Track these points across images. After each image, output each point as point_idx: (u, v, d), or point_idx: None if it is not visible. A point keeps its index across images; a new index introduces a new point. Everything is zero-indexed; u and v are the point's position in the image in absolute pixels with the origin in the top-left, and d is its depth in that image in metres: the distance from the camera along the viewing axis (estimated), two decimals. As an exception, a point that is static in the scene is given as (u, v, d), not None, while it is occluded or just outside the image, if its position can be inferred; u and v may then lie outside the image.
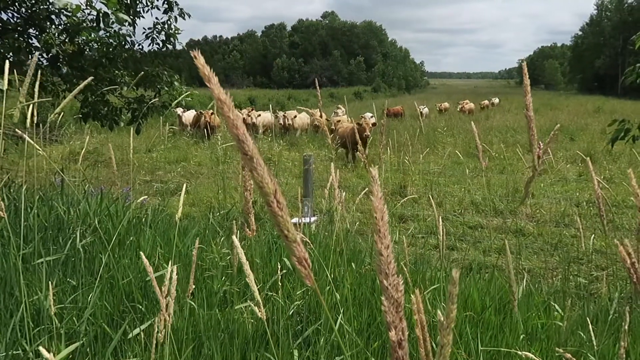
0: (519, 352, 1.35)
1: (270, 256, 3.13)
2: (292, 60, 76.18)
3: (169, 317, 1.44)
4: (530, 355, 1.26)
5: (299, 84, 66.81)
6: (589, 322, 1.86)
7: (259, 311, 1.44)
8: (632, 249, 1.04)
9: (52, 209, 3.34)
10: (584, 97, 44.51)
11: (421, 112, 18.22)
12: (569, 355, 1.28)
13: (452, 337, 0.61)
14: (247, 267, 1.34)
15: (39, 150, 1.82)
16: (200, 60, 0.55)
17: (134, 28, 5.60)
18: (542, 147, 1.61)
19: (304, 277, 0.60)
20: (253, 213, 1.69)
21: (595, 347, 1.83)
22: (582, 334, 2.32)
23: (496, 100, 27.48)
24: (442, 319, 0.63)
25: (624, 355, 1.29)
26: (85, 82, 1.94)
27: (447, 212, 6.87)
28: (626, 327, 1.35)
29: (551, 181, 8.73)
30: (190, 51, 0.58)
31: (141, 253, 1.53)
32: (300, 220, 3.37)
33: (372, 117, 15.10)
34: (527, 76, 1.48)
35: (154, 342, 1.54)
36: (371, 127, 10.80)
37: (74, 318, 2.20)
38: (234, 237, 1.40)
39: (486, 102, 26.71)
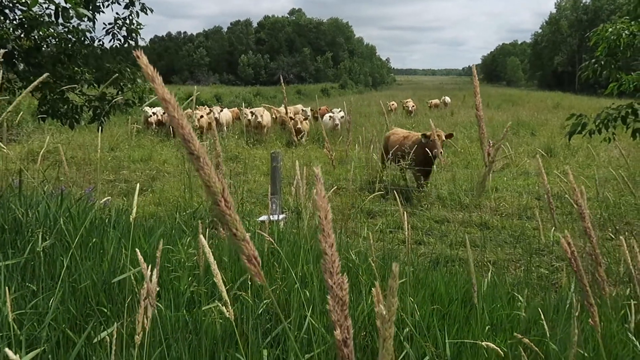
0: (482, 343, 1.39)
1: (238, 255, 3.10)
2: (258, 56, 75.60)
3: (147, 319, 1.41)
4: (492, 345, 1.30)
5: (265, 80, 66.42)
6: (546, 312, 1.92)
7: (227, 311, 1.43)
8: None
9: (10, 211, 3.22)
10: (543, 93, 45.91)
11: (331, 117, 13.79)
12: (527, 341, 1.32)
13: (393, 330, 0.59)
14: (214, 266, 1.33)
15: (4, 148, 1.75)
16: (143, 60, 0.54)
17: (94, 23, 5.44)
18: (491, 144, 1.69)
19: (253, 274, 0.59)
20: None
21: (550, 336, 1.89)
22: (544, 323, 2.39)
23: (448, 99, 27.50)
24: (383, 312, 0.58)
25: (574, 340, 1.34)
26: (41, 78, 1.88)
27: (414, 207, 6.97)
28: (576, 315, 1.42)
29: (513, 175, 8.98)
30: (133, 50, 0.56)
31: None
32: (269, 218, 3.36)
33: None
34: (477, 78, 1.61)
35: (121, 345, 1.51)
36: (444, 140, 7.39)
37: (34, 324, 2.12)
38: (201, 236, 1.38)
39: (437, 101, 26.50)
